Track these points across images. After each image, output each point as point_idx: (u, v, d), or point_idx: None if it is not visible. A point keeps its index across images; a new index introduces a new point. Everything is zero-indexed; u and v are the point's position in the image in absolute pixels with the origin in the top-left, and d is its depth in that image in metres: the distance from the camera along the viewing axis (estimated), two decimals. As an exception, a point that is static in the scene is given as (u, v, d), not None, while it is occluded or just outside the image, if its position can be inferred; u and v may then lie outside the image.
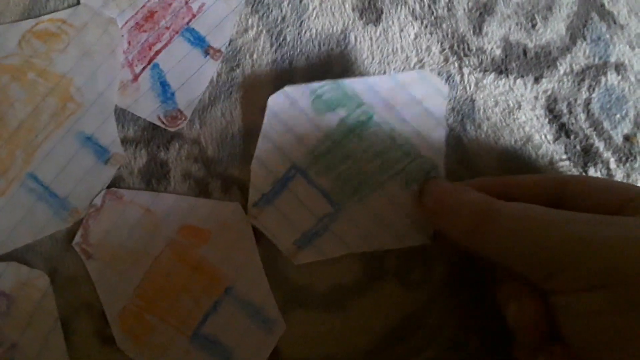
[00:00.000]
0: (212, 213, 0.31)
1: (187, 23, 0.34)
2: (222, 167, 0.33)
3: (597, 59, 0.36)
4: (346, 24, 0.35)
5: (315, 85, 0.32)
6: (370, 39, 0.35)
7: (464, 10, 0.36)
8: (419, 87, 0.32)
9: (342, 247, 0.31)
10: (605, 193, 0.28)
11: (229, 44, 0.34)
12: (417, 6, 0.35)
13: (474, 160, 0.34)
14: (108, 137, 0.32)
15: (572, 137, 0.35)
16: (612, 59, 0.36)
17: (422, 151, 0.32)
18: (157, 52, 0.34)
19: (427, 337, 0.33)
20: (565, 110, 0.35)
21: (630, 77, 0.36)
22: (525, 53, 0.36)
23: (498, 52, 0.36)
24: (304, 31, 0.35)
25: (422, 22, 0.35)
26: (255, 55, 0.34)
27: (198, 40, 0.34)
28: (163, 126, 0.33)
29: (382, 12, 0.35)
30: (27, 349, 0.29)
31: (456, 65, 0.35)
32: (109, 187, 0.32)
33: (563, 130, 0.35)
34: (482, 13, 0.36)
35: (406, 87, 0.32)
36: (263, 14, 0.34)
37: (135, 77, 0.33)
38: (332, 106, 0.32)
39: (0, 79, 0.32)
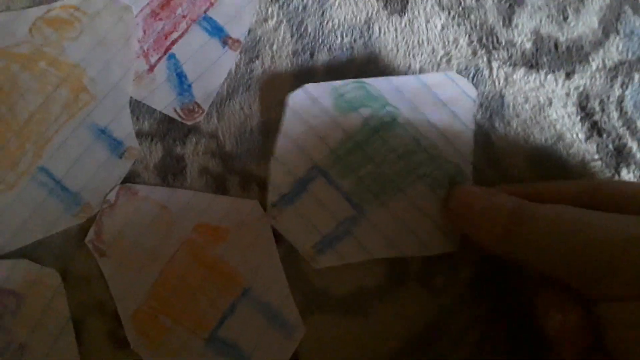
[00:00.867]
0: (229, 211, 0.30)
1: (205, 11, 0.33)
2: (240, 163, 0.31)
3: (630, 55, 0.35)
4: (370, 14, 0.33)
5: (337, 83, 0.31)
6: (395, 29, 0.33)
7: (493, 0, 0.34)
8: (446, 89, 0.31)
9: (364, 252, 0.30)
10: (637, 201, 0.26)
11: (248, 34, 0.33)
12: None
13: (503, 159, 0.33)
14: (122, 130, 0.31)
15: (604, 136, 0.34)
16: (646, 55, 0.35)
17: (448, 156, 0.31)
18: (174, 42, 0.32)
19: (452, 343, 0.32)
20: (597, 108, 0.34)
21: (667, 73, 0.34)
22: (556, 47, 0.34)
23: (528, 45, 0.34)
24: (326, 21, 0.33)
25: (449, 13, 0.34)
26: (275, 46, 0.33)
27: (216, 30, 0.32)
28: (179, 119, 0.32)
29: (407, 2, 0.34)
30: (36, 350, 0.28)
31: (485, 58, 0.34)
32: (123, 182, 0.31)
33: (595, 128, 0.34)
34: (511, 4, 0.34)
35: (433, 88, 0.31)
36: (283, 3, 0.33)
37: (151, 68, 0.32)
38: (355, 106, 0.30)
39: (10, 68, 0.31)
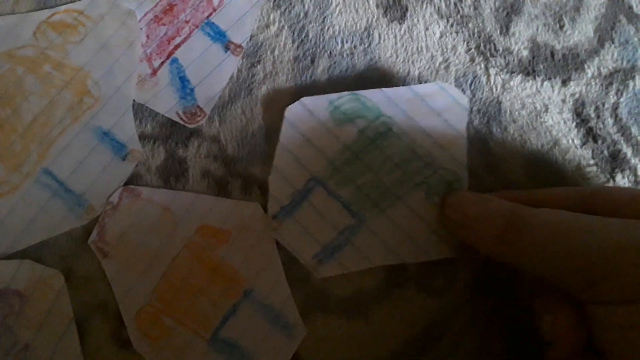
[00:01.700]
0: (231, 213, 0.31)
1: (208, 17, 0.33)
2: (242, 166, 0.32)
3: (625, 63, 0.35)
4: (370, 20, 0.34)
5: (333, 96, 0.31)
6: (395, 36, 0.34)
7: (491, 9, 0.35)
8: (438, 99, 0.32)
9: (364, 261, 0.30)
10: (636, 203, 0.27)
11: (250, 40, 0.33)
12: (443, 4, 0.34)
13: (500, 164, 0.33)
14: (126, 133, 0.31)
15: (599, 142, 0.34)
16: (640, 63, 0.35)
17: (443, 163, 0.31)
18: (177, 47, 0.33)
19: (451, 345, 0.32)
20: (592, 115, 0.34)
21: (661, 81, 0.35)
22: (552, 55, 0.35)
23: (525, 53, 0.35)
24: (326, 27, 0.34)
25: (447, 21, 0.34)
26: (276, 52, 0.33)
27: (218, 35, 0.33)
28: (182, 123, 0.32)
29: (407, 10, 0.34)
30: (40, 351, 0.29)
31: (482, 65, 0.34)
32: (126, 184, 0.31)
33: (590, 134, 0.34)
34: (509, 13, 0.35)
35: (425, 98, 0.31)
36: (285, 9, 0.33)
37: (154, 72, 0.32)
38: (351, 117, 0.31)
39: (15, 70, 0.31)
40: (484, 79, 0.34)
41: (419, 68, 0.34)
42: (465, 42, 0.34)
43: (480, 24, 0.35)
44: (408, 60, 0.34)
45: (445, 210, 0.30)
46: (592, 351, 0.25)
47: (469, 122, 0.33)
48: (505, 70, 0.34)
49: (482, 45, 0.34)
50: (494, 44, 0.34)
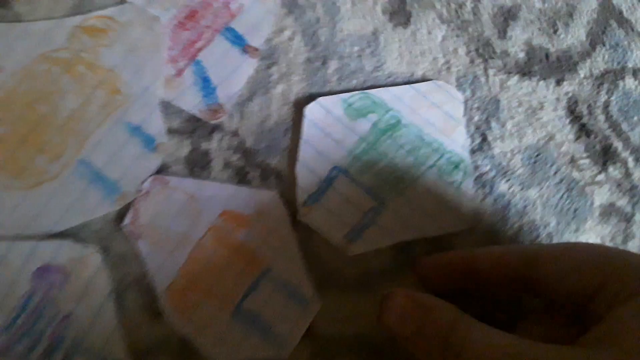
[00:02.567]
0: (251, 200, 0.34)
1: (227, 23, 0.36)
2: (260, 158, 0.35)
3: (615, 64, 0.38)
4: (376, 26, 0.37)
5: (345, 95, 0.35)
6: (400, 40, 0.37)
7: (489, 15, 0.38)
8: (436, 94, 0.36)
9: (389, 237, 0.34)
10: (576, 276, 0.27)
11: (266, 43, 0.36)
12: (445, 10, 0.37)
13: (498, 156, 0.36)
14: (154, 128, 0.34)
15: (592, 137, 0.37)
16: (630, 64, 0.38)
17: (448, 147, 0.34)
18: (199, 50, 0.36)
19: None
20: (585, 112, 0.37)
21: (648, 81, 0.38)
22: (547, 57, 0.38)
23: (521, 55, 0.38)
24: (336, 32, 0.37)
25: (449, 26, 0.37)
26: (290, 54, 0.36)
27: (237, 39, 0.36)
28: (205, 119, 0.35)
29: (410, 15, 0.37)
30: (80, 320, 0.31)
31: (482, 67, 0.37)
32: (156, 173, 0.34)
33: (583, 130, 0.37)
34: (506, 18, 0.38)
35: (426, 94, 0.35)
36: (298, 15, 0.36)
37: (179, 73, 0.35)
38: (363, 113, 0.34)
39: (52, 70, 0.34)
40: (483, 79, 0.37)
41: (422, 69, 0.37)
42: (466, 45, 0.37)
43: (480, 29, 0.38)
44: (412, 62, 0.37)
45: (382, 315, 0.29)
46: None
47: (468, 116, 0.36)
48: (503, 71, 0.37)
49: (481, 48, 0.37)
50: (492, 47, 0.38)
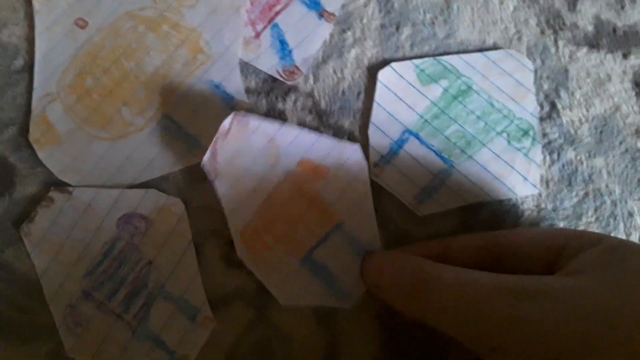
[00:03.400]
0: (332, 151, 0.35)
1: (304, -13, 0.37)
2: (333, 119, 0.36)
3: (681, 40, 0.39)
4: (449, -6, 0.38)
5: (417, 61, 0.36)
6: (472, 9, 0.38)
7: (560, -13, 0.38)
8: (507, 62, 0.37)
9: (458, 199, 0.35)
10: (537, 248, 0.28)
11: (342, 8, 0.37)
12: None
13: (566, 125, 0.37)
14: (233, 86, 0.36)
15: (657, 110, 0.38)
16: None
17: (517, 114, 0.35)
18: (277, 13, 0.37)
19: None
20: (651, 85, 0.38)
21: None
22: (614, 31, 0.39)
23: (590, 28, 0.38)
24: None
25: None
26: (365, 20, 0.37)
27: (314, 4, 0.37)
28: (281, 79, 0.36)
29: (483, -15, 0.38)
30: (162, 266, 0.33)
31: (552, 38, 0.38)
32: (235, 128, 0.35)
33: (649, 103, 0.38)
34: (576, -9, 0.38)
35: (497, 62, 0.36)
36: (373, -18, 0.37)
37: (257, 35, 0.37)
38: (435, 78, 0.35)
39: (137, 28, 0.36)
40: (553, 49, 0.38)
41: (493, 38, 0.38)
42: (537, 17, 0.38)
43: (550, 1, 0.38)
44: (484, 31, 0.38)
45: (362, 273, 0.32)
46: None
47: (538, 85, 0.37)
48: (572, 42, 0.38)
49: (551, 19, 0.38)
50: (563, 19, 0.38)
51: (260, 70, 0.36)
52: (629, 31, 0.38)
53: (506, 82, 0.35)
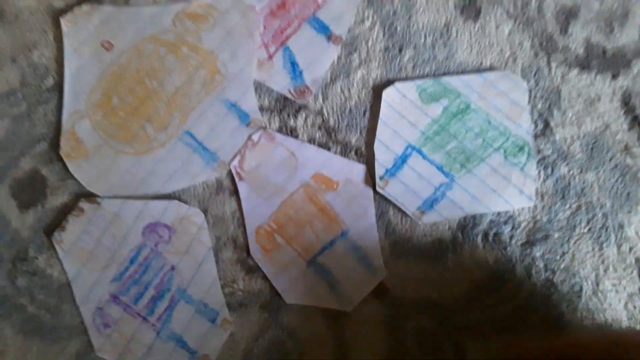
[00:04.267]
0: (342, 169, 0.38)
1: (313, 13, 0.40)
2: (341, 135, 0.39)
3: (667, 62, 0.42)
4: (448, 19, 0.41)
5: (419, 81, 0.39)
6: (470, 33, 0.41)
7: (552, 13, 0.42)
8: (503, 83, 0.40)
9: (458, 210, 0.38)
10: None
11: (348, 32, 0.40)
12: (512, 7, 0.41)
13: (559, 142, 0.40)
14: (248, 105, 0.39)
15: (644, 127, 0.41)
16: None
17: (513, 131, 0.38)
18: (288, 37, 0.40)
19: (514, 289, 0.39)
20: (638, 104, 0.41)
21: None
22: (604, 53, 0.42)
23: (581, 50, 0.41)
24: (412, 24, 0.41)
25: (515, 21, 0.41)
26: (370, 42, 0.40)
27: (322, 28, 0.40)
28: (292, 98, 0.39)
29: (480, 10, 0.41)
30: (184, 272, 0.36)
31: (545, 60, 0.41)
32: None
33: (636, 121, 0.41)
34: (567, 16, 0.42)
35: (494, 83, 0.39)
36: (377, 8, 0.40)
37: (270, 57, 0.40)
38: (436, 97, 0.39)
39: (159, 50, 0.39)
40: (546, 70, 0.41)
41: (490, 59, 0.41)
42: (530, 39, 0.41)
43: (543, 25, 0.41)
44: (480, 53, 0.41)
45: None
46: None
47: (532, 104, 0.40)
48: (564, 64, 0.41)
49: (544, 42, 0.41)
50: (555, 42, 0.41)
51: (273, 90, 0.39)
52: (618, 53, 0.41)
53: (502, 101, 0.38)
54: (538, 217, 0.38)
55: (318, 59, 0.39)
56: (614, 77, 0.41)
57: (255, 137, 0.37)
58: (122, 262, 0.34)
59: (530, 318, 0.39)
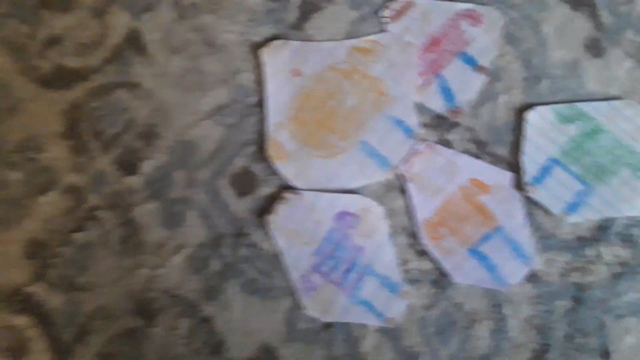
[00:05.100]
0: (494, 175, 0.45)
1: (462, 48, 0.49)
2: (491, 148, 0.47)
3: None
4: (577, 56, 0.49)
5: (556, 106, 0.47)
6: (595, 67, 0.49)
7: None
8: (627, 110, 0.46)
9: (597, 213, 0.45)
10: None
11: (492, 64, 0.48)
12: (631, 48, 0.49)
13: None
14: (411, 121, 0.47)
15: None
16: None
17: (638, 150, 0.46)
18: (441, 67, 0.49)
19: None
20: None
21: None
22: None
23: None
24: (546, 58, 0.49)
25: (634, 59, 0.49)
26: (510, 73, 0.49)
27: (470, 60, 0.49)
28: (448, 117, 0.47)
29: (605, 50, 0.49)
30: (368, 252, 0.44)
31: (664, 92, 0.48)
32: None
33: None
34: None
35: (619, 109, 0.46)
36: (515, 45, 0.49)
37: (427, 83, 0.48)
38: (571, 120, 0.46)
39: (337, 77, 0.48)
40: (664, 101, 0.48)
41: (615, 90, 0.48)
42: (648, 74, 0.49)
43: (659, 62, 0.49)
44: (605, 85, 0.48)
45: None
46: None
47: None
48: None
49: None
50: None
51: (431, 109, 0.47)
52: None
53: (628, 125, 0.45)
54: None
55: (467, 85, 0.48)
56: None
57: (418, 147, 0.45)
58: (319, 241, 0.43)
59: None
